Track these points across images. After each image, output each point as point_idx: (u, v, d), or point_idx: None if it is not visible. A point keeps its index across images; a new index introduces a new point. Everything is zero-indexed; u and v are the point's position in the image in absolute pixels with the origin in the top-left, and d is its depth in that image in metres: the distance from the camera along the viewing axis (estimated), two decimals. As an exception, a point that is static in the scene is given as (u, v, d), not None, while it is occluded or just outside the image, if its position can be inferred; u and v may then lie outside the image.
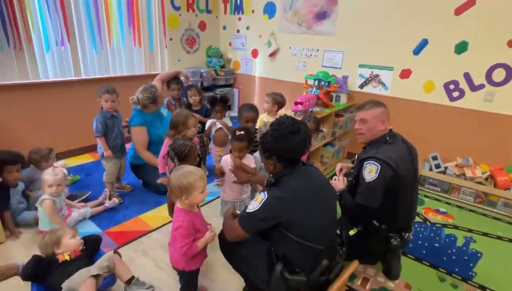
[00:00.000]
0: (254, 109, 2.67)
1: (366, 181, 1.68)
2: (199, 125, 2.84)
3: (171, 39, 4.37)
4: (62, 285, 1.52)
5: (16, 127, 3.22)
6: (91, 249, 1.78)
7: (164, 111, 2.96)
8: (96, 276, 1.54)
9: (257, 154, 2.23)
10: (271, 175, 1.48)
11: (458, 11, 2.97)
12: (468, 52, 3.01)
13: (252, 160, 2.21)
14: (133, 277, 1.71)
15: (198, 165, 2.03)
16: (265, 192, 1.36)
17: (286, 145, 1.36)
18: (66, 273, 1.55)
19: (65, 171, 2.37)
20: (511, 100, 2.89)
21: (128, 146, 2.94)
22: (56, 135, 3.51)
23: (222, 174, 2.20)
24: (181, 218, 1.47)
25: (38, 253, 1.67)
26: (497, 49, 2.85)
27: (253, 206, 1.34)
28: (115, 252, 1.77)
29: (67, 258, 1.64)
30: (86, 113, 3.44)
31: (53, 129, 3.48)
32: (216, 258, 1.98)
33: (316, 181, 1.43)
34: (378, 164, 1.65)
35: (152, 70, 4.28)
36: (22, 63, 3.13)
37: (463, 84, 3.10)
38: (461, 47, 3.03)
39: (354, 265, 1.46)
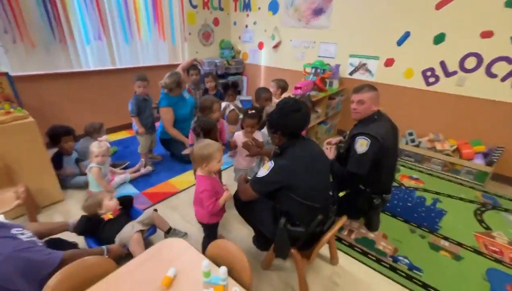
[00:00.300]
0: (268, 91, 2.69)
1: (358, 153, 1.66)
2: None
3: (190, 33, 4.22)
4: (115, 239, 1.58)
5: (65, 108, 3.23)
6: (126, 207, 1.83)
7: (186, 95, 2.91)
8: (140, 231, 1.60)
9: (264, 130, 2.20)
10: (277, 147, 1.48)
11: (439, 6, 2.78)
12: (445, 43, 2.85)
13: (260, 135, 2.18)
14: (170, 228, 1.77)
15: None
16: (272, 160, 1.36)
17: (290, 121, 1.36)
18: (115, 228, 1.61)
19: (108, 144, 2.38)
20: (479, 85, 2.77)
21: (157, 124, 2.93)
22: (97, 115, 3.50)
23: (235, 147, 2.19)
24: (204, 182, 1.48)
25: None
26: (470, 40, 2.70)
27: (263, 172, 1.35)
28: (154, 210, 1.81)
29: (111, 216, 1.68)
30: (122, 97, 3.43)
31: (94, 110, 3.48)
32: (231, 214, 2.02)
33: (313, 151, 1.42)
34: (368, 139, 1.62)
35: (175, 60, 4.18)
36: (67, 55, 3.07)
37: (439, 71, 2.97)
38: (439, 39, 2.87)
39: (342, 220, 1.48)
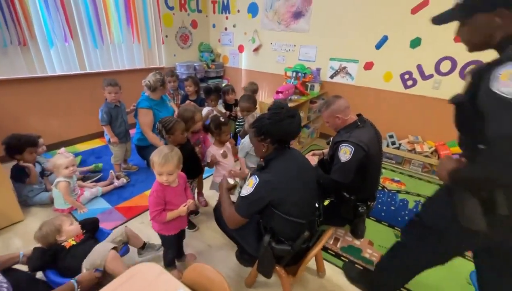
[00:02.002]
0: (249, 101, 2.38)
1: (342, 161, 1.60)
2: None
3: (166, 36, 4.04)
4: (82, 265, 1.39)
5: (28, 116, 2.94)
6: (91, 230, 1.64)
7: (169, 102, 2.75)
8: (114, 248, 1.44)
9: (245, 140, 2.09)
10: (261, 159, 1.36)
11: (414, 10, 2.83)
12: (421, 47, 2.91)
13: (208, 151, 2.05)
14: (145, 243, 1.63)
15: (188, 142, 1.89)
16: (256, 175, 1.24)
17: (283, 128, 1.25)
18: (79, 255, 1.42)
19: (71, 154, 2.18)
20: (454, 87, 2.80)
21: (132, 131, 2.74)
22: (66, 123, 3.26)
23: (214, 163, 2.02)
24: (154, 187, 1.40)
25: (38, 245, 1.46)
26: (445, 44, 2.76)
27: (247, 190, 1.22)
28: (126, 227, 1.67)
29: (73, 242, 1.49)
30: (93, 103, 3.21)
31: (63, 118, 3.22)
32: (212, 227, 1.91)
33: (299, 162, 1.33)
34: (352, 146, 1.57)
35: (151, 64, 3.98)
36: (29, 59, 2.81)
37: (416, 75, 3.03)
38: (415, 43, 2.92)
39: (328, 233, 1.41)
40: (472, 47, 0.98)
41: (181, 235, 1.65)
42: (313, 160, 1.99)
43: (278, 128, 1.25)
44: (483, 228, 0.90)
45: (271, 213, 1.24)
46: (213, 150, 2.00)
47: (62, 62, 3.06)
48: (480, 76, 0.82)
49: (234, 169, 1.89)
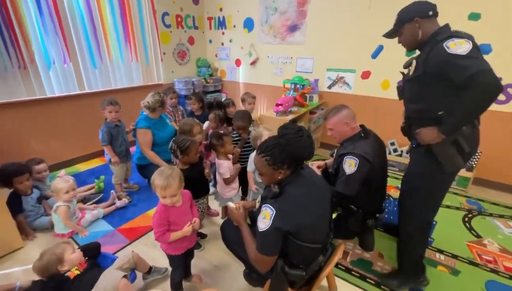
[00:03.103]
0: (243, 119, 2.24)
1: (346, 173, 1.58)
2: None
3: (164, 53, 4.08)
4: None
5: (28, 139, 2.93)
6: (93, 256, 1.58)
7: (169, 120, 2.74)
8: (124, 276, 1.39)
9: (254, 154, 2.03)
10: (276, 186, 1.23)
11: (407, 20, 2.88)
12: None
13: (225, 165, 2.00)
14: (151, 267, 1.58)
15: (200, 162, 1.86)
16: (271, 206, 1.13)
17: (306, 149, 1.17)
18: (85, 286, 1.35)
19: (72, 178, 2.14)
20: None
21: (133, 149, 2.71)
22: (66, 143, 3.24)
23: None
24: (158, 208, 1.37)
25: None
26: (440, 51, 2.80)
27: (265, 223, 1.11)
28: (132, 251, 1.61)
29: (77, 272, 1.42)
30: (93, 122, 3.20)
31: (63, 138, 3.19)
32: (218, 245, 1.85)
33: (315, 185, 1.25)
34: (357, 158, 1.55)
35: (150, 81, 4.00)
36: (28, 82, 2.81)
37: (413, 82, 3.05)
38: (411, 51, 2.95)
39: (340, 250, 1.36)
40: (409, 48, 1.47)
41: (188, 255, 1.60)
42: (317, 172, 1.96)
43: (300, 152, 1.16)
44: (463, 164, 1.35)
45: (286, 238, 1.16)
46: (227, 164, 1.98)
47: (61, 83, 3.07)
48: (424, 59, 1.29)
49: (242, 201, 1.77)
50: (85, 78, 3.27)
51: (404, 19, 1.36)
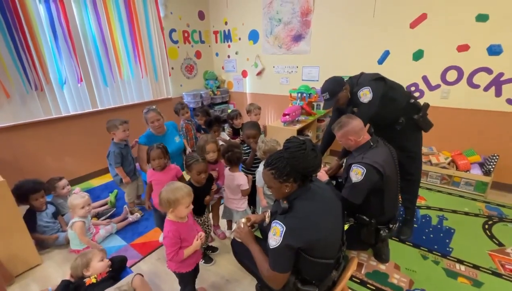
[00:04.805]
0: (253, 128, 2.23)
1: (352, 182, 1.55)
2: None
3: (172, 68, 4.19)
4: None
5: (45, 157, 3.04)
6: (117, 269, 1.61)
7: (177, 138, 2.65)
8: None
9: (259, 176, 2.01)
10: (285, 202, 1.19)
11: (413, 24, 2.86)
12: (424, 59, 2.91)
13: (242, 176, 1.99)
14: None
15: (209, 182, 1.86)
16: (281, 222, 1.11)
17: (309, 163, 1.15)
18: None
19: (87, 194, 2.19)
20: (463, 96, 2.80)
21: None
22: (80, 160, 3.34)
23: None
24: (168, 228, 1.37)
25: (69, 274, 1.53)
26: (448, 54, 2.75)
27: (275, 240, 1.10)
28: (138, 274, 1.59)
29: (94, 280, 1.47)
30: (105, 138, 3.25)
31: (76, 155, 3.30)
32: (229, 258, 1.84)
33: (325, 198, 1.23)
34: (364, 168, 1.52)
35: (159, 95, 4.10)
36: (44, 102, 2.93)
37: (422, 86, 3.00)
38: (418, 55, 2.92)
39: (354, 264, 1.33)
40: (342, 105, 1.98)
41: (197, 270, 1.61)
42: (325, 176, 1.94)
43: (303, 165, 1.14)
44: None
45: (298, 254, 1.15)
46: (243, 175, 1.97)
47: (75, 102, 3.19)
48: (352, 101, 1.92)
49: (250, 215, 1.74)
50: (98, 96, 3.38)
51: (337, 90, 1.93)
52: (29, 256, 1.99)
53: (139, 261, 2.05)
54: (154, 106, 2.48)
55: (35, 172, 2.83)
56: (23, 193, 2.15)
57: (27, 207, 2.21)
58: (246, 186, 1.95)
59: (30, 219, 2.14)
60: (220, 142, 2.61)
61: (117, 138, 2.40)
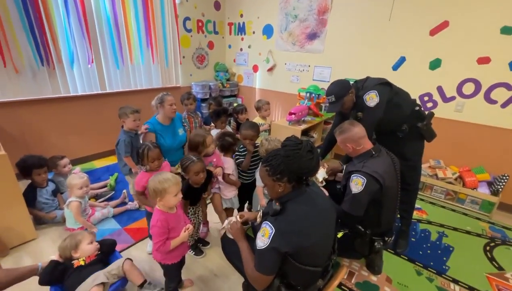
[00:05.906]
0: (252, 128, 2.04)
1: (352, 193, 1.50)
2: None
3: (183, 56, 4.17)
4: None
5: (50, 134, 3.09)
6: (106, 252, 1.61)
7: (181, 131, 2.57)
8: (102, 283, 1.38)
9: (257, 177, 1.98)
10: (277, 203, 1.16)
11: (433, 32, 2.75)
12: (441, 68, 2.80)
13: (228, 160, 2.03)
14: (145, 281, 1.55)
15: (206, 182, 1.83)
16: (271, 224, 1.09)
17: (304, 165, 1.12)
18: (81, 278, 1.39)
19: (86, 175, 2.21)
20: (479, 111, 2.69)
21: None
22: (84, 140, 3.39)
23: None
24: (156, 217, 1.35)
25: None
26: (467, 65, 2.64)
27: (263, 242, 1.08)
28: (128, 258, 1.58)
29: (82, 263, 1.48)
30: (112, 121, 3.29)
31: (81, 135, 3.34)
32: (220, 253, 1.82)
33: (319, 204, 1.18)
34: (364, 178, 1.47)
35: (168, 83, 4.10)
36: (54, 80, 2.96)
37: (436, 96, 2.90)
38: (435, 64, 2.81)
39: (342, 273, 1.29)
40: (346, 109, 1.90)
41: (182, 262, 1.61)
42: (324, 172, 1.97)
43: (297, 166, 1.11)
44: None
45: (284, 259, 1.12)
46: (232, 162, 2.01)
47: (84, 82, 3.21)
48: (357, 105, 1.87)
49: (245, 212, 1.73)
50: (107, 78, 3.40)
51: (342, 94, 1.82)
52: (25, 230, 2.03)
53: (131, 246, 2.07)
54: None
55: (39, 148, 2.88)
56: (28, 166, 2.20)
57: (28, 182, 2.25)
58: (229, 170, 1.96)
59: (30, 194, 2.18)
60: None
61: (127, 127, 2.29)
